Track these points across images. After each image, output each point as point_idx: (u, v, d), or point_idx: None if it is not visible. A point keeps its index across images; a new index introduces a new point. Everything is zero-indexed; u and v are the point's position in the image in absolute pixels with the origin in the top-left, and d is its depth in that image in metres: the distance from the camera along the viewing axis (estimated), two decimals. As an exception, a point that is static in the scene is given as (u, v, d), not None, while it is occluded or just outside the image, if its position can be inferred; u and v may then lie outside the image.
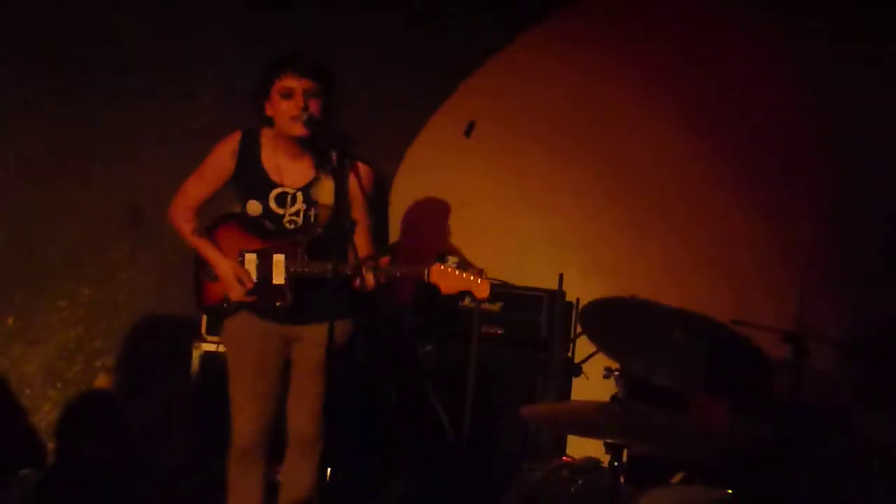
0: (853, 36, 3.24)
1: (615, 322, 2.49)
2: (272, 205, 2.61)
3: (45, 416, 3.59)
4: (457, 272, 2.49)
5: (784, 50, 3.45)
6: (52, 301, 3.59)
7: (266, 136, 2.61)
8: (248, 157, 2.58)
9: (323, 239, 2.61)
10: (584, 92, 3.98)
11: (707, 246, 3.55)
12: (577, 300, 3.74)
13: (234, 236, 2.68)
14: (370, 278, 2.48)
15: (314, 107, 2.51)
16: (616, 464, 2.16)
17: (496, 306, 3.69)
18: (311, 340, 2.65)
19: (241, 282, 2.62)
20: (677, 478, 2.56)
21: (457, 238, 4.26)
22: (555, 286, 3.68)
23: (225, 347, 2.82)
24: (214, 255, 2.65)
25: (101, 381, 3.77)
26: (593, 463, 2.56)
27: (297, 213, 2.62)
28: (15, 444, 3.51)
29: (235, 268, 2.63)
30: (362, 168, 2.54)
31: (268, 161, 2.60)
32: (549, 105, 4.08)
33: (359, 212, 2.65)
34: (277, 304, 2.63)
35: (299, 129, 2.51)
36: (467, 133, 4.31)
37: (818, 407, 2.72)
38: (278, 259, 2.62)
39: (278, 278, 2.61)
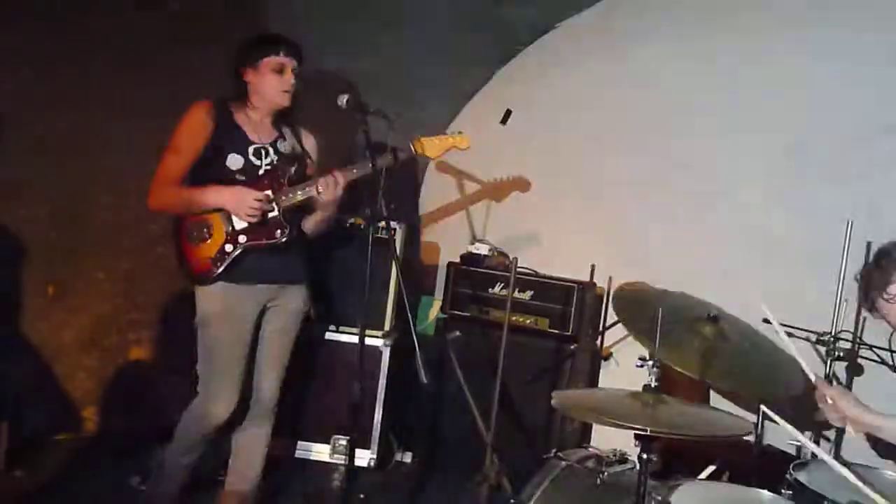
0: None
1: (647, 309, 2.49)
2: (251, 158, 2.83)
3: (80, 383, 3.67)
4: (436, 139, 2.99)
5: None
6: (90, 272, 3.66)
7: (234, 105, 2.86)
8: (225, 118, 2.81)
9: (294, 177, 2.89)
10: (619, 84, 3.98)
11: (741, 243, 3.53)
12: (607, 291, 3.76)
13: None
14: (342, 180, 2.81)
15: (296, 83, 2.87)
16: (645, 456, 2.15)
17: (526, 295, 3.71)
18: (283, 305, 2.92)
19: (247, 197, 2.73)
20: (707, 472, 2.57)
21: (488, 225, 4.28)
22: (584, 278, 3.69)
23: (202, 318, 2.81)
24: (212, 192, 2.74)
25: (136, 353, 3.84)
26: (620, 455, 2.56)
27: (270, 164, 2.86)
28: (51, 410, 3.59)
29: (237, 190, 2.75)
30: (307, 134, 3.02)
31: (242, 123, 2.85)
32: (584, 96, 4.07)
33: (312, 166, 3.02)
34: (279, 233, 2.80)
35: (286, 100, 2.87)
36: (504, 121, 4.31)
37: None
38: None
39: (272, 211, 2.80)
